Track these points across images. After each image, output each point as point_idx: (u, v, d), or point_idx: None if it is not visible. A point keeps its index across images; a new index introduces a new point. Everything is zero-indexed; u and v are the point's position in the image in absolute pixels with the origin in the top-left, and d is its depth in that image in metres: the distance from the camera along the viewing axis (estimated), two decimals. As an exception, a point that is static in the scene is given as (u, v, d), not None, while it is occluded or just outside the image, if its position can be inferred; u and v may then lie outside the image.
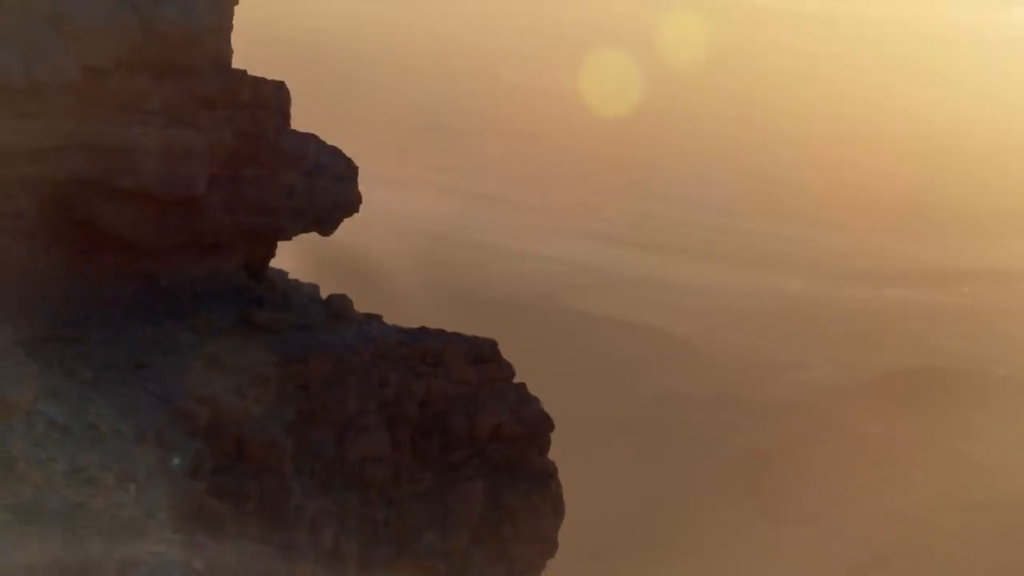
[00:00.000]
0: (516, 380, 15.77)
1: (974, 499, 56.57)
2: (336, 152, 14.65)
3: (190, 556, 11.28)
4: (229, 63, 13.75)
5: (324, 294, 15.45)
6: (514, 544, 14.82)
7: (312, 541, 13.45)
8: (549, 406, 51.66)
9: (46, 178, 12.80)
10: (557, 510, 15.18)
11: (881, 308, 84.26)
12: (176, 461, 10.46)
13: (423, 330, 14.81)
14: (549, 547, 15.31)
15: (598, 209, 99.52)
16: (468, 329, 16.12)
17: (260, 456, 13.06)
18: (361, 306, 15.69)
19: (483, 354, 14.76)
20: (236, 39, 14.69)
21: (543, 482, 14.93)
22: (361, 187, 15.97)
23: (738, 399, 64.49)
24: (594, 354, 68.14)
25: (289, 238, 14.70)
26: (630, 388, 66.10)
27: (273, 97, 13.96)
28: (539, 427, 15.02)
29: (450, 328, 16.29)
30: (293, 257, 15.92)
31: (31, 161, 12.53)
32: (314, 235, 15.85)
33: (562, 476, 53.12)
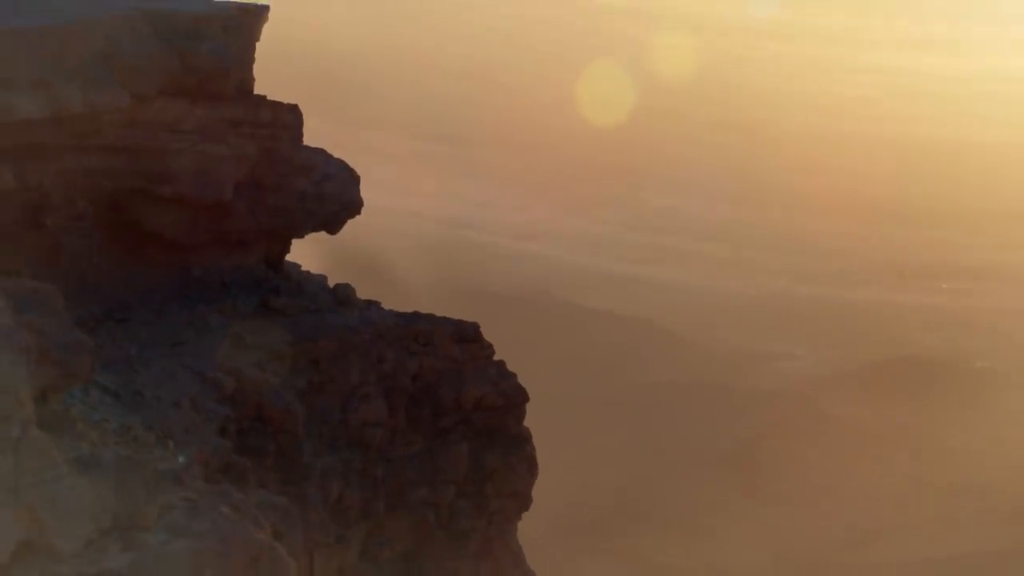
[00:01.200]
0: (519, 370, 16.73)
1: (951, 482, 56.81)
2: (341, 163, 15.74)
3: (218, 502, 11.66)
4: (251, 90, 14.89)
5: (331, 284, 16.26)
6: (494, 498, 15.79)
7: (321, 493, 14.35)
8: (547, 392, 52.47)
9: (101, 187, 13.95)
10: (531, 470, 16.13)
11: (863, 303, 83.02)
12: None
13: (416, 314, 15.83)
14: (524, 501, 16.25)
15: (592, 211, 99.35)
16: (471, 320, 16.64)
17: (277, 420, 14.01)
18: (375, 298, 16.45)
19: (467, 335, 15.73)
20: (261, 57, 15.44)
21: (519, 445, 15.88)
22: (371, 190, 17.03)
23: (725, 387, 64.64)
24: (588, 344, 67.83)
25: (302, 236, 15.77)
26: (622, 376, 65.33)
27: (288, 118, 15.10)
28: (516, 398, 15.93)
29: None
30: (306, 253, 16.87)
31: (88, 173, 13.69)
32: (335, 235, 16.60)
33: (560, 456, 53.74)
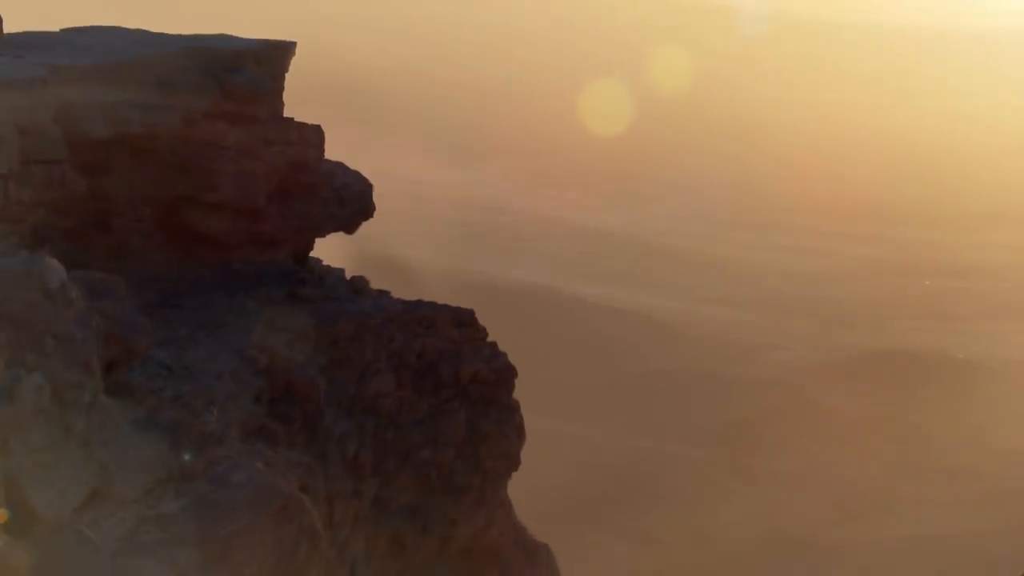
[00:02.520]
0: (527, 358, 17.31)
1: (930, 467, 56.56)
2: (356, 173, 16.69)
3: (253, 459, 12.00)
4: (281, 113, 15.87)
5: (348, 277, 16.96)
6: (487, 459, 16.48)
7: (339, 453, 15.00)
8: (552, 379, 53.41)
9: (158, 195, 14.97)
10: (520, 435, 16.88)
11: (849, 298, 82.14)
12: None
13: (420, 301, 16.59)
14: (514, 462, 17.02)
15: (594, 212, 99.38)
16: (483, 313, 17.32)
17: (302, 391, 14.56)
18: (395, 290, 17.06)
19: (464, 320, 16.49)
20: (299, 73, 16.36)
21: (509, 414, 16.64)
22: (390, 194, 18.01)
23: (719, 375, 64.41)
24: (591, 335, 67.96)
25: (323, 236, 16.68)
26: (622, 364, 65.22)
27: (312, 136, 16.03)
28: (506, 374, 16.67)
29: None
30: (329, 251, 17.68)
31: (147, 184, 14.73)
32: (352, 234, 17.42)
33: (565, 438, 54.37)
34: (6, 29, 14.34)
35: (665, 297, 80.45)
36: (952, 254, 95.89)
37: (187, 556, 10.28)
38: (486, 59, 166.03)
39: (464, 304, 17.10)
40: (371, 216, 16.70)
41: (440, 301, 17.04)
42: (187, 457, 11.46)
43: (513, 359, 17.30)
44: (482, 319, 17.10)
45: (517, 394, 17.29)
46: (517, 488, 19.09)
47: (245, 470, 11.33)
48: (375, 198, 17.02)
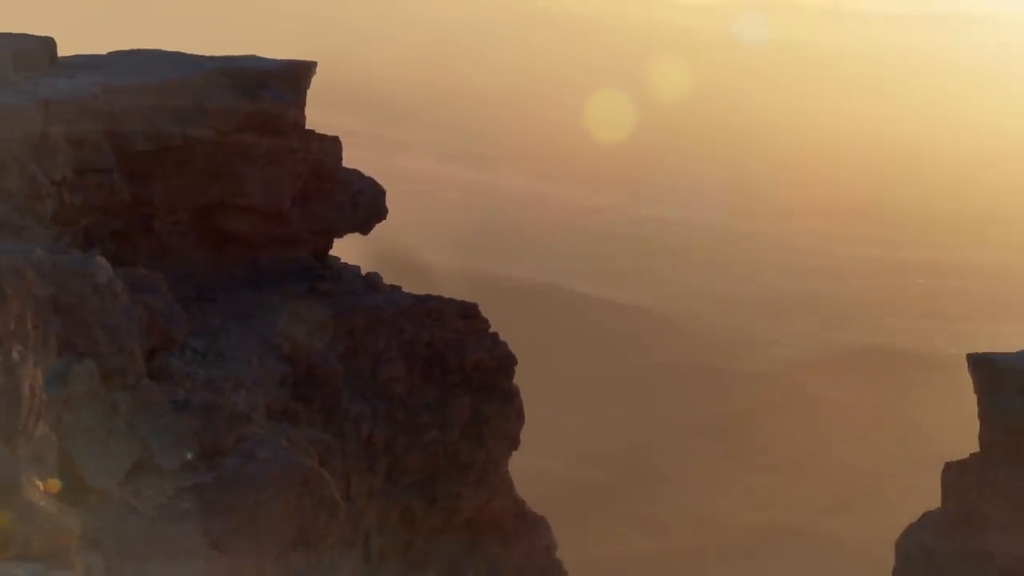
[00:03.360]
0: (533, 352, 17.66)
1: (922, 457, 55.61)
2: (371, 180, 17.19)
3: (278, 436, 12.64)
4: (304, 125, 16.40)
5: (363, 273, 17.38)
6: (490, 439, 16.97)
7: (355, 432, 15.56)
8: (557, 371, 53.84)
9: (194, 200, 15.57)
10: (520, 418, 17.33)
11: (845, 295, 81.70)
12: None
13: (428, 296, 17.07)
14: (514, 442, 17.45)
15: (598, 214, 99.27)
16: (492, 309, 17.76)
17: (322, 376, 15.10)
18: (410, 287, 17.63)
19: (469, 312, 16.96)
20: (323, 85, 16.98)
21: (510, 399, 17.11)
22: (405, 196, 18.54)
23: (717, 368, 64.62)
24: (594, 330, 68.14)
25: (341, 236, 17.19)
26: (624, 358, 65.44)
27: (331, 146, 16.62)
28: (507, 362, 17.14)
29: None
30: (346, 250, 18.11)
31: (184, 190, 15.37)
32: (382, 235, 18.03)
33: (569, 428, 54.61)
34: (60, 52, 14.98)
35: (666, 294, 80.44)
36: (946, 254, 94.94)
37: (219, 523, 10.67)
38: (495, 71, 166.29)
39: (474, 299, 17.50)
40: (384, 218, 17.21)
41: (451, 296, 17.48)
42: (219, 434, 11.59)
43: (520, 352, 17.75)
44: (491, 314, 17.50)
45: (524, 385, 17.69)
46: (525, 474, 19.41)
47: (270, 447, 11.77)
48: (391, 199, 17.49)
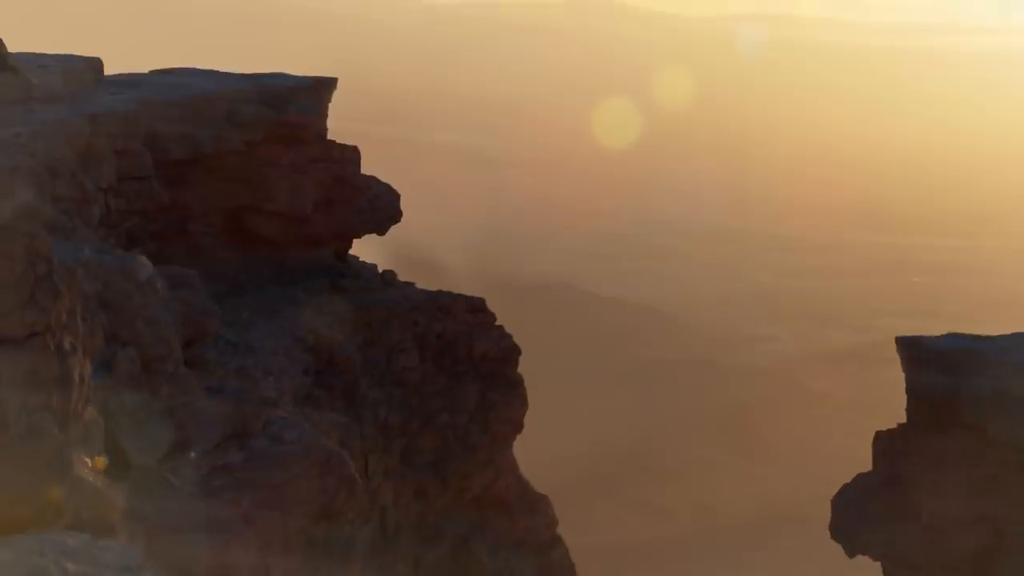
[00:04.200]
0: (543, 347, 17.92)
1: None
2: (386, 185, 17.64)
3: (302, 420, 12.73)
4: (325, 136, 16.85)
5: (380, 271, 17.87)
6: (495, 423, 17.35)
7: (372, 416, 15.99)
8: (566, 365, 53.58)
9: (225, 204, 16.01)
10: (523, 404, 17.64)
11: (840, 293, 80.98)
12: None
13: (440, 291, 17.53)
14: (517, 426, 17.79)
15: (605, 216, 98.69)
16: (504, 306, 18.20)
17: (342, 365, 15.52)
18: (428, 285, 18.08)
19: (476, 307, 17.37)
20: (345, 93, 17.28)
21: (514, 386, 17.48)
22: (417, 200, 18.98)
23: (718, 363, 64.15)
24: (601, 326, 67.69)
25: (360, 237, 17.63)
26: (629, 353, 64.89)
27: (351, 155, 17.03)
28: (511, 353, 17.55)
29: (488, 305, 18.12)
30: (364, 249, 18.66)
31: (216, 195, 15.79)
32: (396, 236, 18.56)
33: (577, 419, 54.51)
34: (105, 72, 15.42)
35: (669, 292, 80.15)
36: (940, 254, 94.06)
37: (248, 499, 10.90)
38: (506, 80, 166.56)
39: (488, 297, 17.79)
40: (399, 220, 17.59)
41: (465, 294, 17.82)
42: (249, 417, 11.71)
43: (530, 347, 17.96)
44: (503, 311, 17.77)
45: (534, 377, 17.94)
46: (534, 463, 19.47)
47: (296, 429, 12.00)
48: (408, 202, 17.86)
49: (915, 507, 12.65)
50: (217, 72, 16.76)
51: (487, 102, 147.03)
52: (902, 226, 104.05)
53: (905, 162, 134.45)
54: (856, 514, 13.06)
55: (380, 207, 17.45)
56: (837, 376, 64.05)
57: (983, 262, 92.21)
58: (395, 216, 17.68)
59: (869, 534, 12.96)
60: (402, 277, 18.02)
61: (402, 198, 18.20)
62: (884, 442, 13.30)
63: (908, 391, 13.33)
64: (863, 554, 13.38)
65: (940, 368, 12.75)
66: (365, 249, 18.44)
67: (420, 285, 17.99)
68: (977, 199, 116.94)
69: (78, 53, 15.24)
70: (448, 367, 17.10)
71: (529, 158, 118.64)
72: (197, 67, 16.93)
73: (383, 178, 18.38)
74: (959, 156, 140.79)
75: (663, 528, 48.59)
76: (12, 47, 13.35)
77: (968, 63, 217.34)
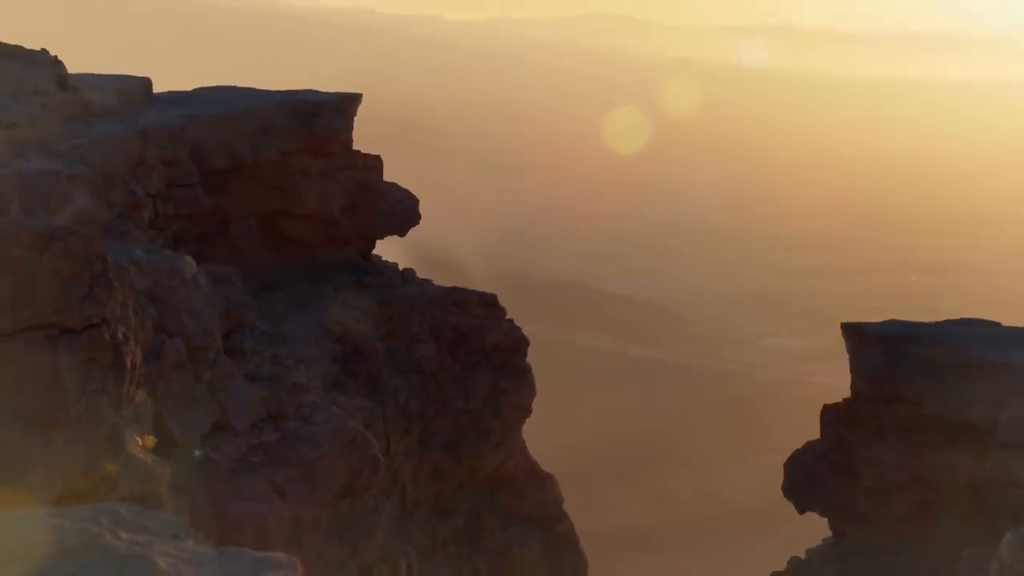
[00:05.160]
0: (557, 343, 18.14)
1: None
2: (406, 191, 17.95)
3: (329, 403, 13.05)
4: (351, 146, 17.19)
5: (400, 269, 18.18)
6: (506, 409, 17.58)
7: (393, 401, 16.24)
8: (578, 360, 53.81)
9: (261, 209, 16.35)
10: (531, 391, 17.83)
11: (840, 292, 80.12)
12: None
13: (455, 287, 17.82)
14: (526, 411, 17.98)
15: (615, 219, 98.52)
16: (520, 304, 18.60)
17: (367, 354, 15.75)
18: (446, 283, 18.31)
19: (488, 301, 17.62)
20: (369, 104, 17.42)
21: (523, 375, 17.68)
22: (439, 203, 19.22)
23: (721, 358, 64.26)
24: (611, 323, 67.73)
25: (382, 238, 17.94)
26: (635, 347, 64.91)
27: (374, 163, 17.41)
28: (520, 344, 17.71)
29: (504, 302, 18.11)
30: (387, 249, 19.00)
31: (255, 200, 16.15)
32: (420, 236, 19.07)
33: (588, 410, 55.08)
34: (154, 90, 15.81)
35: (675, 291, 79.82)
36: (939, 253, 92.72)
37: (282, 475, 11.20)
38: (521, 90, 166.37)
39: (503, 295, 18.04)
40: (418, 223, 17.93)
41: (478, 290, 18.03)
42: (282, 400, 12.12)
43: (543, 342, 18.06)
44: (517, 308, 18.01)
45: (548, 371, 18.01)
46: (547, 450, 19.67)
47: (324, 412, 12.33)
48: (428, 204, 18.17)
49: (858, 470, 13.27)
50: (254, 90, 17.15)
51: (503, 111, 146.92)
52: (901, 227, 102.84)
53: (904, 167, 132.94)
54: (806, 476, 13.72)
55: (400, 211, 17.76)
56: (836, 371, 63.69)
57: (982, 261, 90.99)
58: (414, 219, 18.04)
59: (817, 493, 13.59)
60: (422, 275, 18.34)
61: (423, 201, 18.54)
62: (831, 414, 13.92)
63: (852, 370, 13.96)
64: (812, 510, 13.92)
65: (880, 350, 13.41)
66: (387, 249, 18.76)
67: (437, 282, 18.27)
68: (976, 202, 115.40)
69: (130, 74, 15.59)
70: (462, 357, 17.26)
71: (542, 164, 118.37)
72: (237, 85, 17.33)
73: (406, 182, 18.70)
74: (957, 162, 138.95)
75: (669, 514, 47.98)
76: (72, 69, 13.82)
77: (966, 72, 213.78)
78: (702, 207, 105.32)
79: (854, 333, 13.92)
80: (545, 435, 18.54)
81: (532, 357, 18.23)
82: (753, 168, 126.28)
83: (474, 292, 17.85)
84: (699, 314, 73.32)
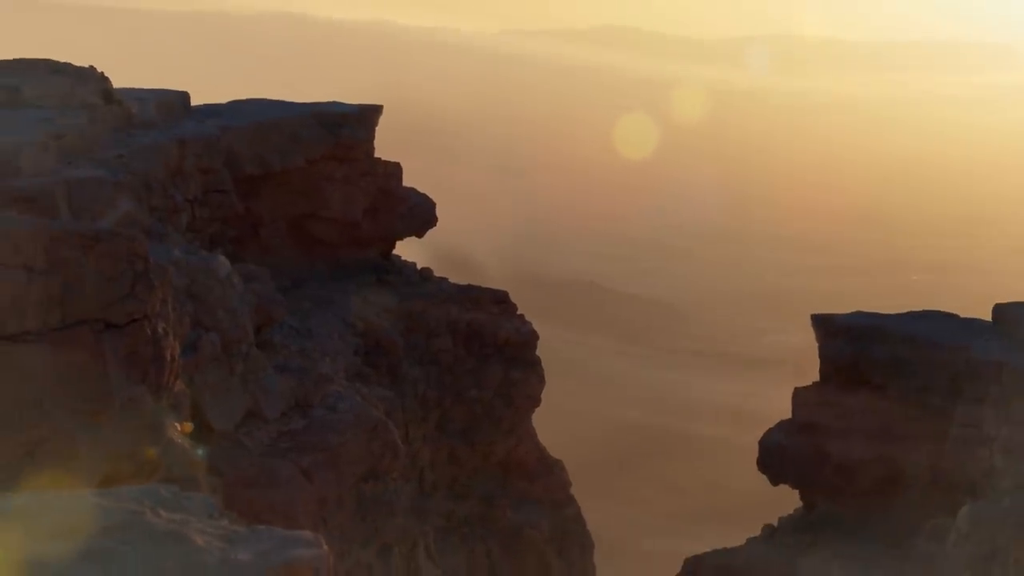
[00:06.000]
0: (570, 338, 18.23)
1: None
2: (424, 195, 18.27)
3: (353, 393, 13.41)
4: (373, 154, 17.47)
5: (419, 268, 18.47)
6: (517, 398, 17.76)
7: (412, 391, 16.51)
8: (590, 355, 53.63)
9: (289, 211, 16.66)
10: (541, 382, 18.06)
11: (840, 291, 79.51)
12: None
13: (469, 285, 18.04)
14: (536, 401, 18.17)
15: (623, 220, 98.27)
16: (534, 302, 18.73)
17: (387, 347, 16.03)
18: (463, 282, 18.44)
19: (500, 298, 17.86)
20: (390, 111, 17.69)
21: (533, 366, 17.85)
22: (456, 206, 19.42)
23: (726, 353, 64.19)
24: (621, 319, 67.93)
25: (401, 239, 18.21)
26: (644, 343, 65.09)
27: (394, 170, 17.69)
28: (531, 338, 17.90)
29: (518, 300, 18.38)
30: (406, 249, 19.20)
31: (282, 204, 16.46)
32: (438, 238, 19.39)
33: (599, 403, 55.20)
34: (192, 102, 16.15)
35: (682, 289, 79.59)
36: (939, 253, 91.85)
37: (308, 459, 11.48)
38: (533, 98, 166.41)
39: (516, 293, 18.26)
40: (435, 225, 18.29)
41: (491, 288, 18.29)
42: (309, 390, 12.43)
43: (555, 339, 18.16)
44: (532, 307, 18.19)
45: (562, 365, 18.02)
46: (561, 441, 19.84)
47: (348, 401, 12.58)
48: (446, 207, 18.48)
49: (827, 448, 13.75)
50: (283, 102, 17.51)
51: (517, 119, 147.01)
52: (902, 228, 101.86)
53: (904, 171, 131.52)
54: (779, 453, 14.25)
55: (418, 214, 18.10)
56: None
57: (982, 261, 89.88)
58: (431, 221, 18.39)
59: (789, 468, 14.05)
60: (439, 274, 18.61)
61: (440, 204, 18.80)
62: (802, 396, 14.44)
63: (821, 357, 14.43)
64: (784, 483, 14.35)
65: (847, 339, 13.92)
66: (406, 250, 19.00)
67: (453, 280, 18.48)
68: (976, 203, 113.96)
69: (169, 88, 15.98)
70: (476, 350, 17.35)
71: (554, 168, 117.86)
72: (267, 98, 17.68)
73: (423, 186, 18.96)
74: (957, 164, 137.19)
75: (677, 503, 48.00)
76: (116, 83, 14.22)
77: (964, 77, 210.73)
78: (707, 209, 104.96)
79: (823, 324, 14.50)
80: (558, 426, 18.72)
81: (545, 352, 18.56)
82: (755, 172, 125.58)
83: (487, 289, 18.13)
84: (705, 311, 73.52)
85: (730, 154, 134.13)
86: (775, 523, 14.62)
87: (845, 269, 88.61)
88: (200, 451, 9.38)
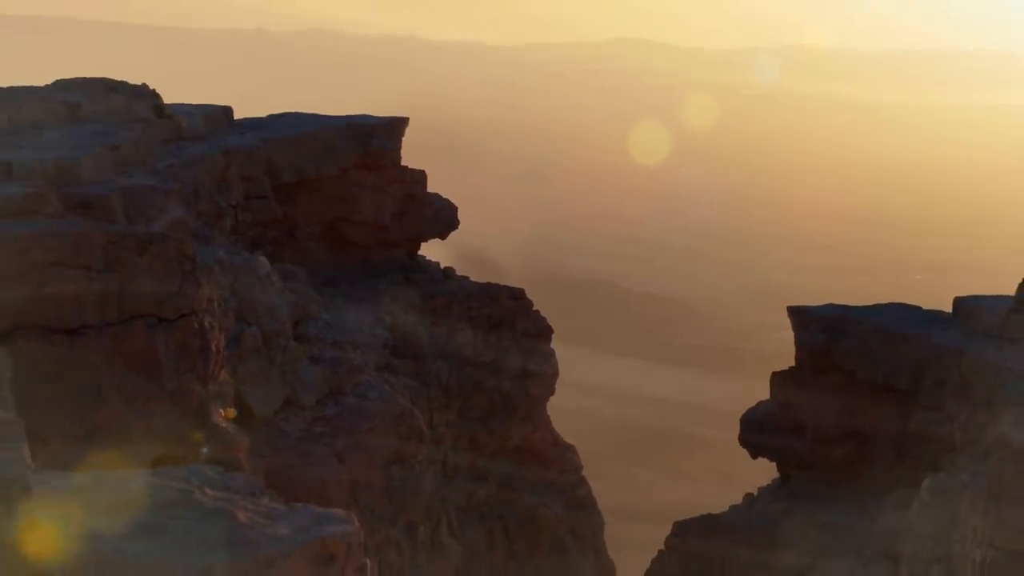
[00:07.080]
0: (586, 335, 18.16)
1: None
2: (446, 200, 18.48)
3: (381, 382, 13.58)
4: (400, 161, 17.79)
5: (442, 267, 18.67)
6: (532, 388, 17.97)
7: (436, 381, 16.78)
8: (606, 351, 52.99)
9: (323, 215, 17.01)
10: (555, 373, 18.21)
11: (845, 289, 79.18)
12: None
13: (488, 283, 18.22)
14: (551, 390, 18.33)
15: (638, 223, 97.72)
16: (553, 301, 18.73)
17: (412, 340, 16.40)
18: (485, 281, 18.48)
19: (517, 295, 18.02)
20: (416, 120, 18.01)
21: (547, 358, 18.04)
22: (477, 210, 19.73)
23: (737, 349, 63.38)
24: (636, 317, 67.56)
25: (426, 241, 18.46)
26: (660, 338, 64.60)
27: (419, 177, 17.99)
28: (546, 331, 18.12)
29: (538, 299, 18.56)
30: (431, 250, 19.37)
31: (317, 209, 16.81)
32: (462, 240, 19.73)
33: (615, 398, 54.65)
34: (235, 116, 16.65)
35: (695, 288, 79.04)
36: (940, 253, 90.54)
37: (341, 443, 12.14)
38: (552, 107, 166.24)
39: (536, 292, 18.41)
40: (457, 228, 18.54)
41: (509, 285, 18.44)
42: (340, 379, 12.66)
43: (574, 335, 18.15)
44: (550, 305, 18.36)
45: (580, 361, 18.05)
46: (578, 431, 20.04)
47: (377, 390, 12.89)
48: (467, 212, 18.72)
49: (801, 425, 14.10)
50: (317, 115, 17.92)
51: (536, 127, 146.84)
52: (903, 229, 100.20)
53: (906, 174, 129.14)
54: (758, 429, 14.69)
55: (442, 218, 18.31)
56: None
57: (982, 261, 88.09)
58: (454, 225, 18.61)
59: (767, 443, 14.56)
60: (461, 273, 18.89)
61: (462, 209, 19.07)
62: (779, 379, 14.83)
63: (796, 344, 14.78)
64: (763, 456, 14.68)
65: (820, 328, 14.18)
66: (431, 251, 19.26)
67: (474, 279, 18.73)
68: (976, 205, 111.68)
69: (214, 103, 16.48)
70: (495, 343, 17.69)
71: (571, 174, 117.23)
72: (303, 111, 18.08)
73: (447, 191, 19.16)
74: (957, 167, 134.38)
75: (690, 492, 47.82)
76: (167, 100, 14.72)
77: (965, 82, 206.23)
78: (716, 212, 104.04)
79: (798, 315, 14.82)
80: (576, 418, 18.85)
81: (564, 349, 18.76)
82: (764, 176, 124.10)
83: (505, 287, 18.31)
84: (717, 309, 73.10)
85: (739, 160, 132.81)
86: (755, 492, 14.62)
87: (849, 269, 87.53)
88: (243, 435, 9.62)
